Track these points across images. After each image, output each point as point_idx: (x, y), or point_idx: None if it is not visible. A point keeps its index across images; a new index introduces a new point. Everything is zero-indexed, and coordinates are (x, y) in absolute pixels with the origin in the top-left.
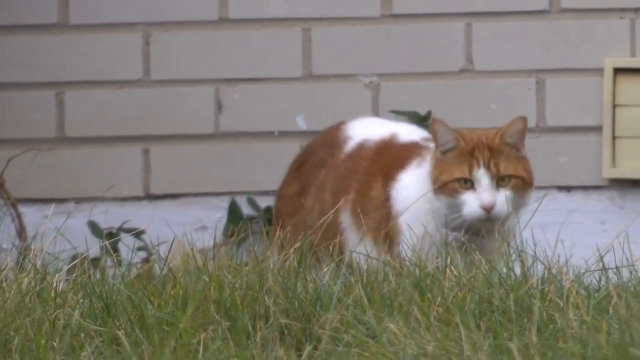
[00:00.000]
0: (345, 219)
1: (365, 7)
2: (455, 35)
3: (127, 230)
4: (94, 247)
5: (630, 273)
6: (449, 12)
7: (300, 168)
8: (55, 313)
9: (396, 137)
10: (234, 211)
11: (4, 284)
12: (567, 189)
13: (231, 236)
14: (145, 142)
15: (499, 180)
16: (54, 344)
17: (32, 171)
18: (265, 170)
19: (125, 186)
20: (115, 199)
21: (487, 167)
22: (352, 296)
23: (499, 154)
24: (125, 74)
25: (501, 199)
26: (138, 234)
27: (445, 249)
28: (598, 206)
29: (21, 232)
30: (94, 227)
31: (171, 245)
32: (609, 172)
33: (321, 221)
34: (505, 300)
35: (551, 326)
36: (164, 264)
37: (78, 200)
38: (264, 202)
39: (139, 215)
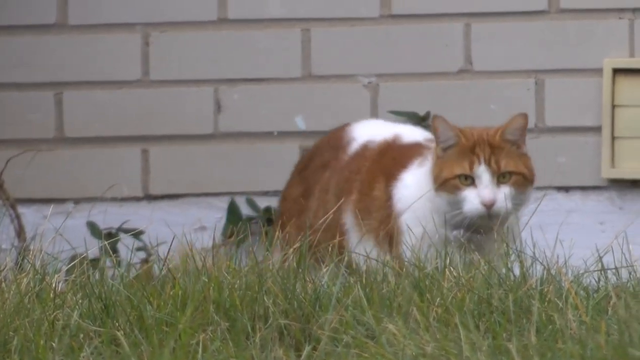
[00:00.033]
0: (348, 219)
1: (364, 7)
2: (454, 35)
3: (126, 231)
4: (93, 248)
5: (630, 273)
6: (448, 13)
7: (305, 169)
8: (55, 313)
9: (399, 138)
10: (233, 211)
11: (3, 285)
12: (566, 189)
13: (230, 236)
14: (145, 142)
15: (500, 177)
16: (53, 344)
17: (31, 171)
18: (265, 171)
19: (124, 186)
20: (114, 200)
21: (488, 164)
22: (351, 297)
23: (500, 151)
24: (124, 74)
25: (502, 195)
26: (137, 234)
27: (445, 249)
28: (597, 207)
29: (20, 232)
30: (93, 228)
31: (170, 246)
32: (608, 173)
33: (320, 221)
34: (504, 301)
35: (550, 327)
36: (163, 265)
37: (77, 201)
38: (263, 202)
39: (138, 215)
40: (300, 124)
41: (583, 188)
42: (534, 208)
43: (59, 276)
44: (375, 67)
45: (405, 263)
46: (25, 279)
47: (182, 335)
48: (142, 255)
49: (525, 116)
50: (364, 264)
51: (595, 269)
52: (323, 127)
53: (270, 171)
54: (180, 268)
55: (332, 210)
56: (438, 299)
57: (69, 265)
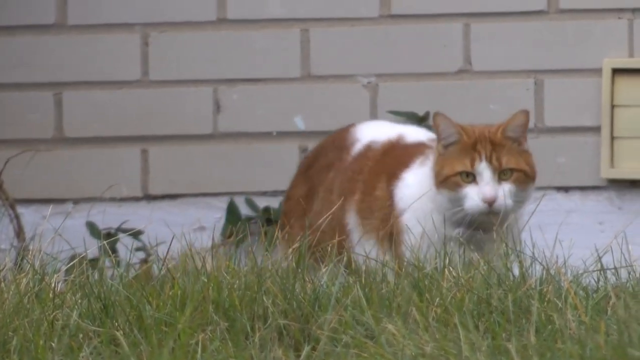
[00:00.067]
0: (351, 219)
1: (363, 7)
2: (453, 35)
3: (126, 231)
4: (92, 248)
5: (629, 273)
6: (447, 13)
7: (309, 169)
8: (54, 314)
9: (403, 138)
10: (232, 212)
11: (3, 285)
12: (566, 189)
13: (229, 237)
14: (144, 142)
15: (501, 174)
16: (53, 344)
17: (30, 172)
18: (264, 171)
19: (123, 186)
20: (113, 200)
21: (489, 161)
22: (351, 297)
23: (501, 148)
24: (123, 74)
25: (503, 192)
26: (136, 234)
27: (444, 248)
28: (596, 206)
29: (19, 232)
30: (92, 228)
31: (169, 246)
32: (607, 173)
33: (319, 221)
34: (503, 301)
35: (549, 327)
36: (163, 265)
37: (76, 201)
38: (262, 202)
39: (137, 215)
40: (300, 124)
41: (582, 188)
42: (533, 208)
43: (58, 276)
44: (374, 67)
45: (405, 263)
46: (24, 279)
47: (181, 335)
48: (141, 255)
49: (526, 113)
50: (362, 263)
51: (595, 269)
52: (322, 127)
53: (269, 171)
54: (180, 268)
55: (331, 211)
56: (437, 299)
57: (68, 266)
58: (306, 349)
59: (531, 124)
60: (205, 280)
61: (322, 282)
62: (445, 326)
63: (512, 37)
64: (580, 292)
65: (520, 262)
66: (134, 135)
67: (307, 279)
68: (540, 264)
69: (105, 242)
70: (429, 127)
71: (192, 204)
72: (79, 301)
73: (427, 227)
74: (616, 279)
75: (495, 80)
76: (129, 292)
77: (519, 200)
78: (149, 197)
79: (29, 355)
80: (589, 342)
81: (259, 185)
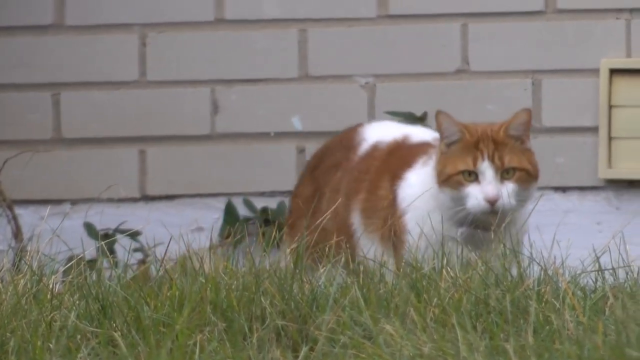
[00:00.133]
0: (356, 219)
1: (361, 7)
2: (451, 35)
3: (123, 232)
4: (90, 249)
5: (627, 274)
6: (445, 13)
7: (316, 169)
8: (52, 315)
9: (408, 138)
10: (230, 212)
11: (0, 286)
12: (563, 189)
13: (227, 237)
14: (142, 143)
15: (504, 173)
16: (50, 345)
17: (28, 172)
18: (262, 171)
19: (121, 187)
20: (111, 200)
21: (492, 160)
22: (349, 297)
23: (504, 147)
24: (121, 74)
25: (505, 191)
26: (134, 235)
27: (442, 248)
28: (594, 207)
29: (17, 233)
30: (90, 229)
31: (167, 247)
32: (605, 173)
33: (318, 221)
34: (501, 301)
35: (547, 327)
36: (160, 265)
37: (74, 202)
38: (260, 203)
39: (135, 216)
40: (297, 124)
41: (580, 188)
42: (531, 208)
43: (56, 277)
44: (372, 67)
45: (403, 263)
46: (22, 280)
47: (179, 336)
48: (139, 256)
49: (529, 111)
50: (360, 263)
51: (593, 269)
52: (320, 127)
53: (267, 172)
54: (177, 269)
55: (331, 210)
56: (435, 300)
57: (66, 266)
58: (304, 349)
59: None
60: (203, 281)
61: (320, 283)
62: (443, 327)
63: (510, 37)
64: (578, 292)
65: (518, 262)
66: (132, 136)
67: (305, 280)
68: (538, 264)
69: (103, 243)
70: (428, 128)
71: (190, 205)
72: (77, 302)
73: (428, 227)
74: (614, 279)
75: (493, 81)
76: (126, 293)
77: (521, 199)
78: (147, 198)
79: (26, 356)
80: (587, 342)
81: (256, 185)
